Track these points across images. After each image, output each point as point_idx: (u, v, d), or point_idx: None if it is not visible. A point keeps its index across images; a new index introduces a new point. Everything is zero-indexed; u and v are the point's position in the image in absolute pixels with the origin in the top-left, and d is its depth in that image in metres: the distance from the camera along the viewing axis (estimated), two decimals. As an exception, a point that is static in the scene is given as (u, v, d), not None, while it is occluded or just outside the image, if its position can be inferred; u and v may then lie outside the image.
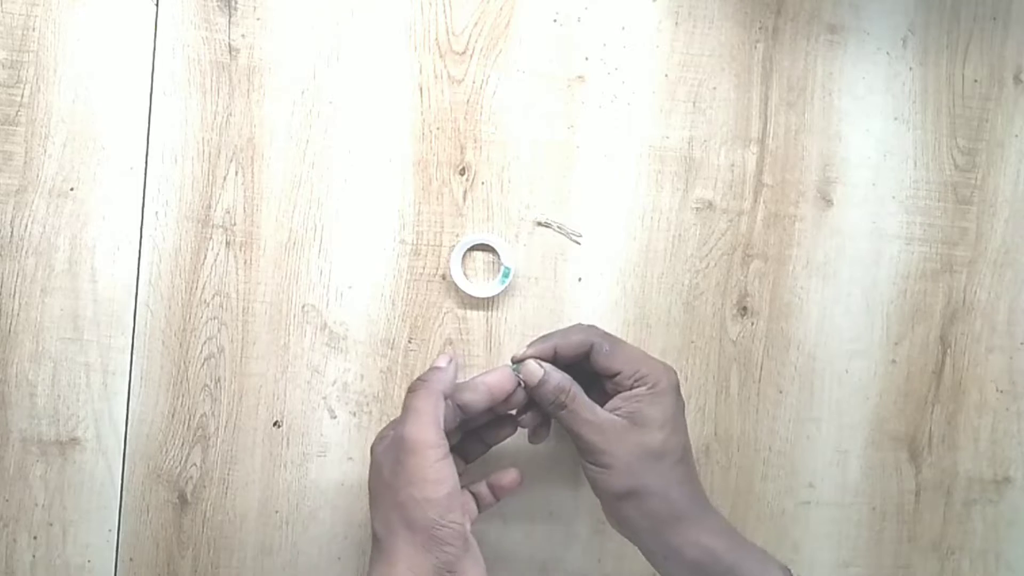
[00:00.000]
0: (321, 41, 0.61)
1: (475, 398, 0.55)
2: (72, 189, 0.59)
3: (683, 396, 0.56)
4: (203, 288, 0.60)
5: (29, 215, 0.59)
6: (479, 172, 0.62)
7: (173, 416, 0.61)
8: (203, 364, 0.61)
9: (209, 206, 0.60)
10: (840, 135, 0.64)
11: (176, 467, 0.61)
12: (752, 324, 0.64)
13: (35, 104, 0.59)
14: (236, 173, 0.60)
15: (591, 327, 0.57)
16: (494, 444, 0.59)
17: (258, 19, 0.60)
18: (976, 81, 0.65)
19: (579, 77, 0.62)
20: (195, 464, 0.61)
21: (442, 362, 0.55)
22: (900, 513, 0.66)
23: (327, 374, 0.61)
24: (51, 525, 0.60)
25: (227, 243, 0.60)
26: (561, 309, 0.63)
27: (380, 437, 0.55)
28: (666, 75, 0.63)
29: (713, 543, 0.53)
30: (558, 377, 0.55)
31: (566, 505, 0.64)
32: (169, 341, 0.60)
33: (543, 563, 0.64)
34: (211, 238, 0.60)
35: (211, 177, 0.60)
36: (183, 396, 0.61)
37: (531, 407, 0.57)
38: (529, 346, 0.56)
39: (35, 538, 0.60)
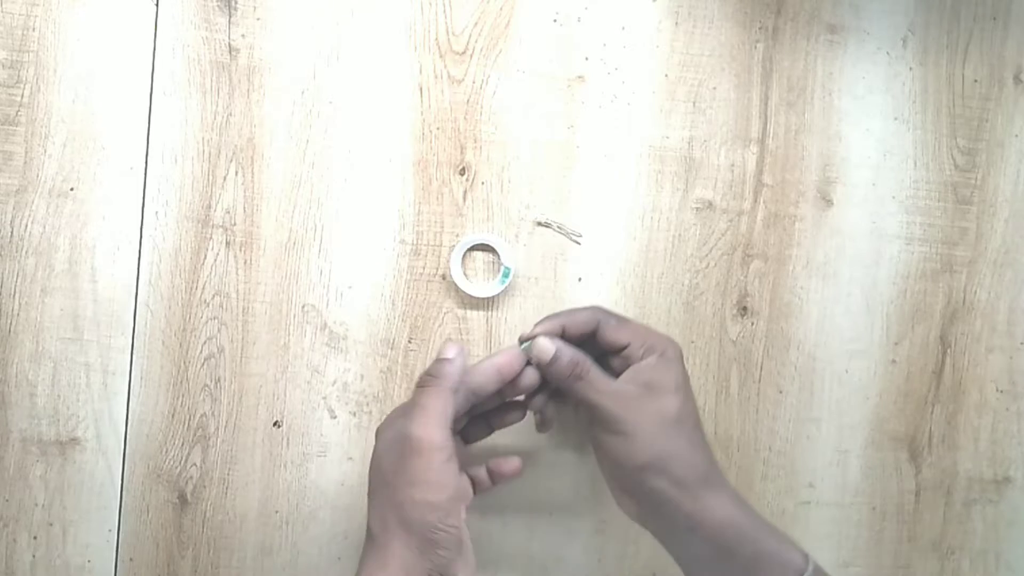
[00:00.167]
0: (321, 41, 0.61)
1: (484, 381, 0.54)
2: (72, 189, 0.59)
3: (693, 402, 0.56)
4: (203, 288, 0.60)
5: (29, 215, 0.59)
6: (479, 172, 0.62)
7: (173, 416, 0.61)
8: (203, 364, 0.61)
9: (209, 206, 0.60)
10: (840, 135, 0.64)
11: (176, 467, 0.61)
12: (752, 324, 0.64)
13: (35, 104, 0.59)
14: (236, 173, 0.60)
15: (595, 306, 0.57)
16: (499, 428, 0.59)
17: (258, 19, 0.60)
18: (976, 81, 0.65)
19: (579, 77, 0.62)
20: (195, 464, 0.61)
21: (450, 353, 0.53)
22: (900, 513, 0.66)
23: (327, 374, 0.61)
24: (51, 525, 0.60)
25: (227, 243, 0.60)
26: (561, 309, 0.63)
27: (389, 421, 0.54)
28: (666, 75, 0.63)
29: (737, 513, 0.53)
30: (571, 351, 0.54)
31: (566, 505, 0.64)
32: (169, 341, 0.60)
33: (543, 563, 0.64)
34: (211, 238, 0.60)
35: (211, 177, 0.60)
36: (183, 396, 0.61)
37: (541, 390, 0.57)
38: (536, 325, 0.56)
39: (35, 538, 0.60)
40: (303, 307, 0.61)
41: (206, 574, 0.61)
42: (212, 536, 0.61)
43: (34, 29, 0.59)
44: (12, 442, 0.60)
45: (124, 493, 0.61)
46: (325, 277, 0.61)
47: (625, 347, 0.55)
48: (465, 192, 0.62)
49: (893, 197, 0.65)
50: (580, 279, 0.63)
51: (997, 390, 0.67)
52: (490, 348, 0.62)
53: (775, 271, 0.64)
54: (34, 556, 0.60)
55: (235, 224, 0.60)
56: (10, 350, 0.59)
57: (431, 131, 0.61)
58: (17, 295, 0.59)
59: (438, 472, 0.50)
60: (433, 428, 0.50)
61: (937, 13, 0.65)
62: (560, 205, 0.63)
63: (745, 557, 0.52)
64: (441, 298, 0.62)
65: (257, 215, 0.61)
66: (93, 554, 0.61)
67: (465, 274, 0.62)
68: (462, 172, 0.62)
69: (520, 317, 0.62)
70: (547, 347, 0.54)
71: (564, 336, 0.56)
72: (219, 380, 0.61)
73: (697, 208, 0.63)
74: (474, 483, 0.56)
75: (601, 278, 0.63)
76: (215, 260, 0.60)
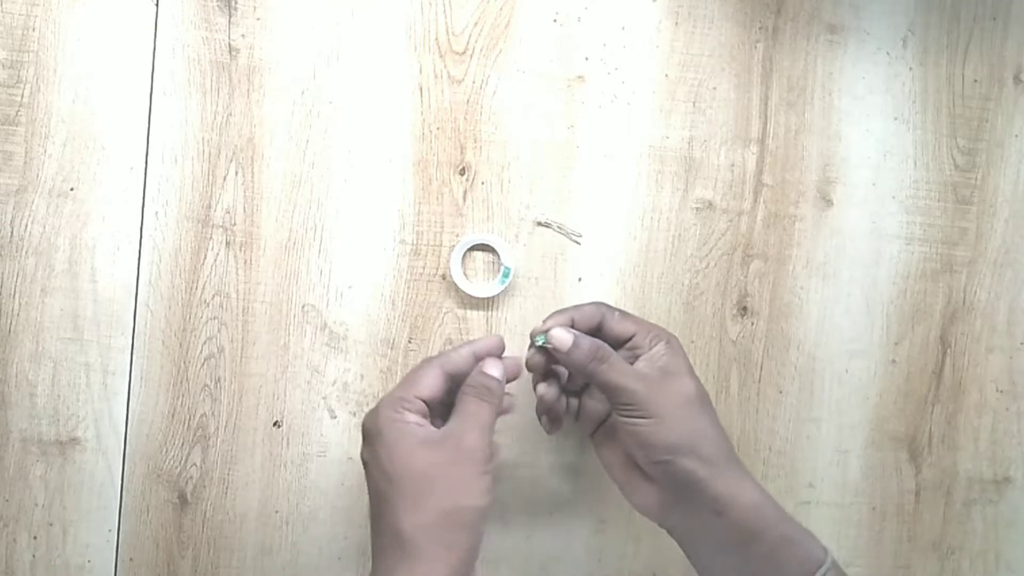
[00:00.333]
0: (321, 41, 0.61)
1: (461, 363, 0.54)
2: (72, 189, 0.59)
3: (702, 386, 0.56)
4: (203, 288, 0.60)
5: (29, 215, 0.59)
6: (479, 172, 0.62)
7: (173, 416, 0.61)
8: (203, 364, 0.61)
9: (209, 206, 0.60)
10: (840, 135, 0.64)
11: (176, 467, 0.61)
12: (752, 324, 0.64)
13: (35, 104, 0.59)
14: (236, 173, 0.60)
15: (597, 301, 0.57)
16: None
17: (258, 19, 0.60)
18: (976, 81, 0.65)
19: (579, 77, 0.62)
20: (195, 464, 0.61)
21: (496, 372, 0.54)
22: (900, 513, 0.66)
23: (327, 374, 0.61)
24: (51, 525, 0.60)
25: (227, 243, 0.60)
26: (561, 309, 0.63)
27: (402, 419, 0.52)
28: (666, 75, 0.63)
29: (762, 495, 0.53)
30: (589, 337, 0.54)
31: (566, 505, 0.64)
32: (169, 341, 0.60)
33: (543, 563, 0.64)
34: (211, 238, 0.60)
35: (211, 177, 0.60)
36: (183, 396, 0.61)
37: (552, 384, 0.56)
38: (546, 321, 0.55)
39: (35, 538, 0.60)
40: (303, 307, 0.61)
41: (206, 574, 0.61)
42: (212, 536, 0.61)
43: (34, 29, 0.59)
44: (12, 442, 0.60)
45: (124, 493, 0.61)
46: (325, 277, 0.61)
47: (630, 338, 0.55)
48: (465, 192, 0.62)
49: (893, 197, 0.65)
50: (580, 279, 0.63)
51: (997, 390, 0.67)
52: (490, 348, 0.62)
53: (775, 271, 0.64)
54: (34, 556, 0.60)
55: (235, 224, 0.60)
56: (10, 350, 0.59)
57: (431, 131, 0.61)
58: (17, 295, 0.59)
59: (485, 480, 0.51)
60: (486, 439, 0.52)
61: (937, 13, 0.65)
62: (560, 205, 0.63)
63: (771, 541, 0.52)
64: (441, 298, 0.62)
65: (257, 215, 0.61)
66: (93, 554, 0.61)
67: (465, 274, 0.62)
68: (462, 172, 0.62)
69: (520, 317, 0.62)
70: (564, 335, 0.54)
71: (573, 329, 0.56)
72: (219, 380, 0.61)
73: (697, 208, 0.63)
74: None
75: (601, 278, 0.63)
76: (215, 260, 0.60)
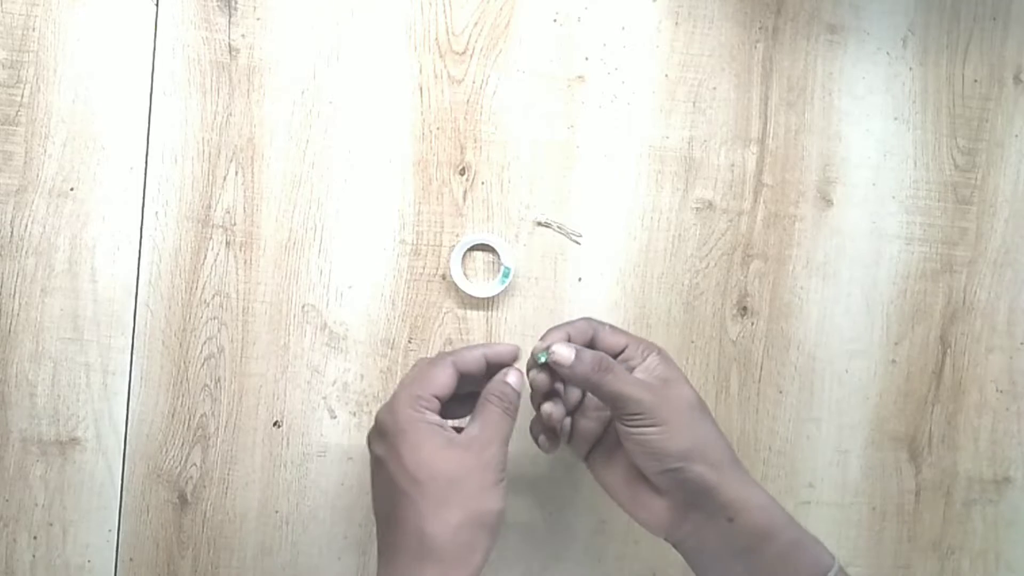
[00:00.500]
0: (321, 41, 0.61)
1: (472, 364, 0.55)
2: (72, 189, 0.59)
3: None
4: (203, 288, 0.60)
5: (29, 215, 0.59)
6: (479, 172, 0.62)
7: (173, 416, 0.61)
8: (203, 364, 0.61)
9: (209, 206, 0.60)
10: (840, 135, 0.64)
11: (176, 467, 0.61)
12: (752, 324, 0.64)
13: (35, 104, 0.59)
14: (236, 173, 0.60)
15: (586, 316, 0.57)
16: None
17: (258, 19, 0.60)
18: (976, 81, 0.65)
19: (579, 77, 0.62)
20: (195, 464, 0.61)
21: (515, 382, 0.54)
22: (900, 513, 0.66)
23: (327, 374, 0.61)
24: (51, 525, 0.60)
25: (227, 243, 0.60)
26: (561, 309, 0.63)
27: (439, 424, 0.52)
28: (666, 75, 0.63)
29: (770, 499, 0.53)
30: (590, 350, 0.54)
31: (566, 505, 0.64)
32: (169, 341, 0.60)
33: (543, 563, 0.64)
34: (211, 238, 0.60)
35: (211, 177, 0.60)
36: (183, 396, 0.61)
37: (556, 402, 0.56)
38: (543, 339, 0.55)
39: (35, 538, 0.60)
40: (303, 307, 0.61)
41: (206, 574, 0.61)
42: (212, 536, 0.61)
43: (34, 29, 0.59)
44: (12, 442, 0.60)
45: (124, 493, 0.61)
46: (325, 277, 0.61)
47: (622, 351, 0.55)
48: (465, 192, 0.62)
49: (893, 197, 0.65)
50: (580, 279, 0.63)
51: (997, 390, 0.67)
52: (490, 348, 0.62)
53: (775, 271, 0.64)
54: (34, 556, 0.60)
55: (235, 224, 0.60)
56: (10, 350, 0.59)
57: (431, 131, 0.61)
58: (17, 295, 0.59)
59: (503, 486, 0.51)
60: (505, 449, 0.52)
61: (937, 13, 0.65)
62: (560, 205, 0.63)
63: (782, 544, 0.52)
64: (441, 298, 0.62)
65: (257, 215, 0.61)
66: (93, 554, 0.61)
67: (465, 274, 0.62)
68: (462, 172, 0.62)
69: (520, 317, 0.62)
70: (566, 349, 0.53)
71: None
72: (219, 380, 0.61)
73: (697, 208, 0.63)
74: None
75: (601, 278, 0.63)
76: (215, 260, 0.60)
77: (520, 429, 0.60)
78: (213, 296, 0.60)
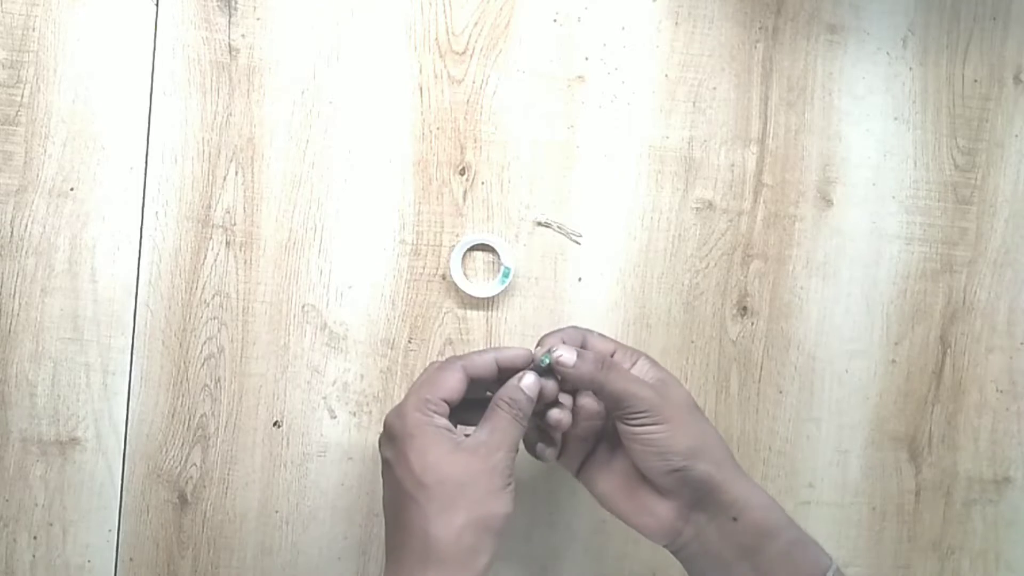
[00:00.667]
0: (321, 41, 0.61)
1: (483, 368, 0.54)
2: (72, 189, 0.59)
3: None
4: (203, 288, 0.60)
5: (29, 215, 0.59)
6: (479, 172, 0.62)
7: (173, 416, 0.61)
8: (203, 364, 0.61)
9: (209, 206, 0.60)
10: (840, 135, 0.64)
11: (176, 467, 0.61)
12: (752, 324, 0.64)
13: (35, 104, 0.59)
14: (236, 173, 0.60)
15: (572, 325, 0.57)
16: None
17: (258, 19, 0.60)
18: (976, 81, 0.65)
19: (579, 77, 0.62)
20: (195, 464, 0.61)
21: (533, 392, 0.53)
22: (900, 513, 0.66)
23: (327, 374, 0.61)
24: (51, 525, 0.60)
25: (227, 243, 0.60)
26: (561, 309, 0.63)
27: (430, 424, 0.52)
28: (666, 75, 0.63)
29: (768, 497, 0.53)
30: (590, 351, 0.54)
31: (566, 505, 0.64)
32: (169, 341, 0.60)
33: (543, 563, 0.64)
34: (211, 238, 0.60)
35: (211, 177, 0.60)
36: (183, 396, 0.61)
37: (562, 408, 0.55)
38: (539, 345, 0.55)
39: (35, 538, 0.60)
40: (303, 307, 0.61)
41: (206, 574, 0.61)
42: (212, 536, 0.61)
43: (34, 29, 0.59)
44: (12, 442, 0.60)
45: (124, 493, 0.61)
46: (325, 277, 0.61)
47: (611, 355, 0.55)
48: (465, 192, 0.62)
49: (893, 197, 0.65)
50: (580, 279, 0.63)
51: (997, 390, 0.67)
52: (490, 348, 0.62)
53: (775, 271, 0.64)
54: (34, 556, 0.60)
55: (235, 224, 0.60)
56: (10, 350, 0.59)
57: (431, 131, 0.61)
58: (17, 295, 0.59)
59: (510, 490, 0.51)
60: (513, 455, 0.52)
61: (937, 13, 0.65)
62: (560, 205, 0.63)
63: (784, 543, 0.52)
64: (441, 298, 0.62)
65: (257, 215, 0.61)
66: (93, 554, 0.61)
67: (465, 274, 0.62)
68: (462, 172, 0.62)
69: (520, 317, 0.62)
70: (568, 350, 0.53)
71: None
72: (219, 380, 0.61)
73: (697, 208, 0.63)
74: None
75: (601, 278, 0.63)
76: (215, 260, 0.60)
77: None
78: (213, 296, 0.60)
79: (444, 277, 0.62)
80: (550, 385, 0.54)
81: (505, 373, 0.54)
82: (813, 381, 0.65)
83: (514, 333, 0.62)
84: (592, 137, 0.62)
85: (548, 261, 0.63)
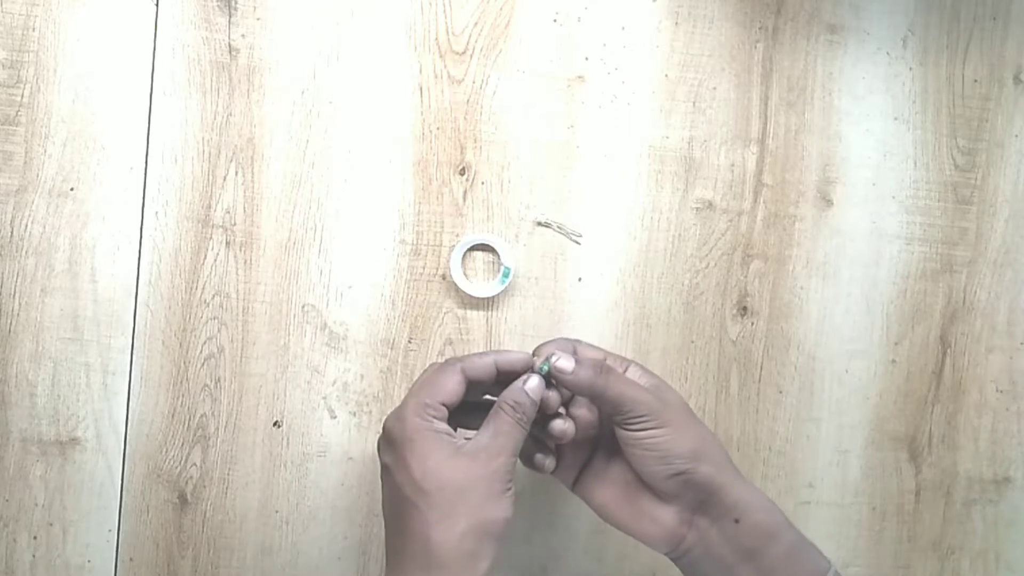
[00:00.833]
0: (321, 41, 0.61)
1: (482, 370, 0.54)
2: (72, 189, 0.59)
3: (682, 396, 0.56)
4: (203, 288, 0.60)
5: (29, 215, 0.59)
6: (479, 172, 0.62)
7: (173, 416, 0.61)
8: (203, 364, 0.61)
9: (209, 206, 0.60)
10: (840, 135, 0.64)
11: (176, 467, 0.61)
12: (752, 324, 0.64)
13: (35, 104, 0.59)
14: (236, 173, 0.60)
15: (560, 337, 0.57)
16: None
17: (258, 19, 0.60)
18: (976, 81, 0.65)
19: (579, 77, 0.62)
20: (195, 464, 0.61)
21: (536, 395, 0.52)
22: (900, 513, 0.66)
23: (327, 374, 0.61)
24: (51, 525, 0.60)
25: (227, 243, 0.60)
26: (561, 309, 0.63)
27: (430, 428, 0.51)
28: (666, 75, 0.63)
29: (769, 500, 0.53)
30: (587, 357, 0.54)
31: (566, 505, 0.64)
32: (169, 341, 0.60)
33: (543, 563, 0.64)
34: (211, 238, 0.60)
35: (211, 177, 0.60)
36: (183, 396, 0.61)
37: (563, 418, 0.54)
38: (534, 355, 0.55)
39: (35, 538, 0.60)
40: (303, 307, 0.61)
41: (206, 574, 0.61)
42: (212, 536, 0.61)
43: (34, 29, 0.59)
44: (12, 442, 0.60)
45: (124, 493, 0.61)
46: (325, 277, 0.61)
47: (604, 358, 0.55)
48: (465, 192, 0.62)
49: (893, 197, 0.65)
50: (580, 279, 0.63)
51: (997, 390, 0.67)
52: (490, 348, 0.62)
53: (775, 271, 0.64)
54: (34, 556, 0.60)
55: (235, 224, 0.60)
56: (10, 350, 0.59)
57: (431, 131, 0.61)
58: (17, 295, 0.59)
59: (511, 494, 0.51)
60: (514, 459, 0.51)
61: (937, 13, 0.65)
62: (560, 205, 0.63)
63: (785, 545, 0.52)
64: (441, 298, 0.62)
65: (257, 215, 0.61)
66: (93, 554, 0.61)
67: (465, 274, 0.62)
68: (462, 172, 0.62)
69: (520, 317, 0.62)
70: (567, 357, 0.53)
71: None
72: (219, 380, 0.61)
73: (697, 208, 0.64)
74: None
75: (601, 278, 0.63)
76: (215, 260, 0.60)
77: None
78: (213, 296, 0.60)
79: (444, 277, 0.62)
80: (553, 396, 0.53)
81: (504, 376, 0.53)
82: (813, 381, 0.65)
83: (514, 333, 0.62)
84: (592, 137, 0.62)
85: (548, 261, 0.63)
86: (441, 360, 0.56)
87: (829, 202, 0.65)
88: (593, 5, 0.62)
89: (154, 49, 0.60)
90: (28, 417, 0.60)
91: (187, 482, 0.61)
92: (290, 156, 0.61)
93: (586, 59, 0.62)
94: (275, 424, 0.61)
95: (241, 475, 0.61)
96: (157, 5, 0.60)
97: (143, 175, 0.60)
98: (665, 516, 0.53)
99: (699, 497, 0.52)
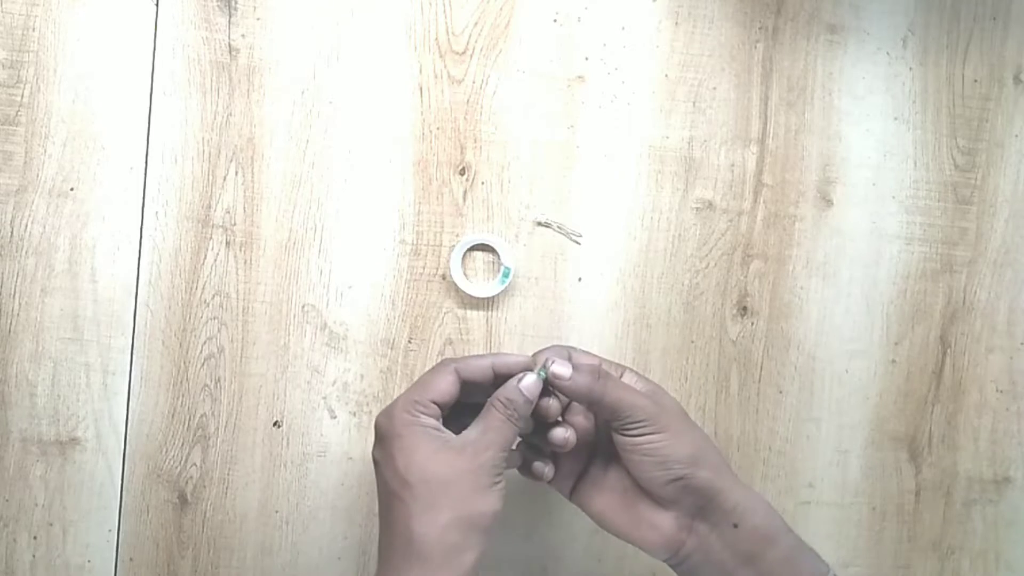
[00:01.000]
0: (321, 41, 0.61)
1: (478, 372, 0.54)
2: (72, 189, 0.59)
3: (682, 396, 0.56)
4: (203, 288, 0.60)
5: (29, 215, 0.59)
6: (479, 172, 0.62)
7: (173, 416, 0.61)
8: (203, 364, 0.61)
9: (209, 206, 0.60)
10: (840, 135, 0.64)
11: (176, 467, 0.61)
12: (752, 324, 0.64)
13: (35, 104, 0.59)
14: (236, 173, 0.60)
15: (555, 344, 0.56)
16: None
17: (258, 19, 0.60)
18: (976, 81, 0.65)
19: (579, 77, 0.62)
20: (195, 464, 0.61)
21: (532, 394, 0.52)
22: (900, 513, 0.66)
23: (327, 374, 0.61)
24: (51, 525, 0.60)
25: (227, 243, 0.60)
26: (561, 309, 0.63)
27: (433, 428, 0.52)
28: (666, 75, 0.63)
29: (767, 504, 0.53)
30: (585, 363, 0.53)
31: (566, 505, 0.64)
32: (169, 341, 0.60)
33: (543, 563, 0.64)
34: (211, 238, 0.60)
35: (211, 177, 0.60)
36: (183, 396, 0.61)
37: (564, 425, 0.54)
38: (535, 357, 0.54)
39: (35, 538, 0.60)
40: (303, 307, 0.61)
41: (206, 574, 0.61)
42: (212, 536, 0.61)
43: (34, 29, 0.59)
44: (12, 442, 0.60)
45: (124, 493, 0.61)
46: (325, 277, 0.61)
47: (600, 364, 0.55)
48: (465, 192, 0.62)
49: (893, 197, 0.65)
50: (580, 279, 0.63)
51: (997, 390, 0.67)
52: (490, 348, 0.62)
53: (775, 271, 0.64)
54: (34, 556, 0.60)
55: (235, 224, 0.60)
56: (10, 350, 0.59)
57: (431, 131, 0.61)
58: (17, 295, 0.59)
59: (499, 488, 0.51)
60: (502, 456, 0.51)
61: (937, 13, 0.65)
62: (560, 205, 0.63)
63: (784, 549, 0.52)
64: (441, 298, 0.62)
65: (257, 215, 0.61)
66: (93, 554, 0.61)
67: (465, 274, 0.62)
68: (462, 172, 0.62)
69: (520, 317, 0.62)
70: (564, 363, 0.53)
71: None
72: (219, 380, 0.61)
73: (697, 208, 0.64)
74: None
75: (601, 278, 0.63)
76: (215, 260, 0.60)
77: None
78: (213, 296, 0.60)
79: (444, 277, 0.62)
80: (553, 404, 0.53)
81: (502, 380, 0.53)
82: (813, 381, 0.65)
83: (514, 333, 0.62)
84: (592, 137, 0.62)
85: (548, 261, 0.63)
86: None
87: (829, 202, 0.65)
88: (593, 5, 0.62)
89: (154, 49, 0.60)
90: (28, 417, 0.60)
91: (187, 482, 0.61)
92: (290, 156, 0.61)
93: (586, 59, 0.62)
94: (275, 424, 0.61)
95: (241, 475, 0.61)
96: (157, 5, 0.60)
97: (143, 175, 0.60)
98: (664, 522, 0.53)
99: (698, 502, 0.52)
